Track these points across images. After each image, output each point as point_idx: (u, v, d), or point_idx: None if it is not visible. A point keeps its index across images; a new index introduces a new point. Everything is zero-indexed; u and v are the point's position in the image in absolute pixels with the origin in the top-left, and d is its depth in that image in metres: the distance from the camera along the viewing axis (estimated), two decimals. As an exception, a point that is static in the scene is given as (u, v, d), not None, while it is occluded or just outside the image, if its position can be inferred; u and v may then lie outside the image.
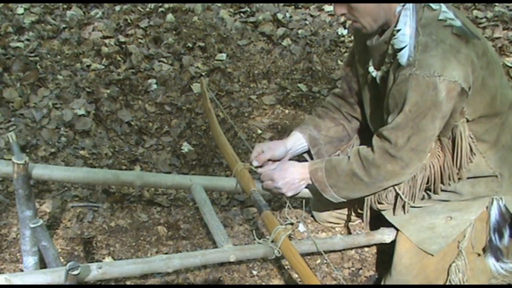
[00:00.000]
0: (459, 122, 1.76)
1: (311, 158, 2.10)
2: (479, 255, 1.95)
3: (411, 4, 1.69)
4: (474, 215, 1.90)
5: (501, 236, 1.91)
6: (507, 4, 3.69)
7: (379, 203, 1.94)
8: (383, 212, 2.00)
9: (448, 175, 1.85)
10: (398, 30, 1.69)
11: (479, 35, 1.74)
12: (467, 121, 1.77)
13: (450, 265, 1.92)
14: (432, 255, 1.90)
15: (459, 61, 1.64)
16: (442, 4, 1.69)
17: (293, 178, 1.93)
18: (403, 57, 1.67)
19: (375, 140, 1.79)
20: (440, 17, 1.67)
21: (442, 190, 1.91)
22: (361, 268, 2.28)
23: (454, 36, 1.64)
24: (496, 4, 3.71)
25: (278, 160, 2.03)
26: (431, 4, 1.69)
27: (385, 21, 1.73)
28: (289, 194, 1.96)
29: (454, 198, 1.92)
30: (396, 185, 1.86)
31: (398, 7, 1.70)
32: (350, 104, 2.10)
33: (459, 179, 1.86)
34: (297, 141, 2.09)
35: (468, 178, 1.87)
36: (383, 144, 1.76)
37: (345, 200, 1.94)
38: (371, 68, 1.86)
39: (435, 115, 1.67)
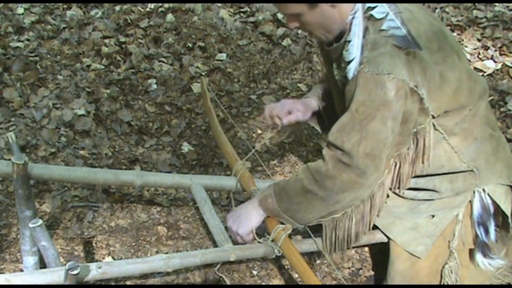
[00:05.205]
0: (426, 123, 1.70)
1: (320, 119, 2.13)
2: (471, 250, 1.90)
3: (360, 13, 1.64)
4: (457, 210, 1.83)
5: (486, 230, 1.83)
6: (507, 4, 3.69)
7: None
8: None
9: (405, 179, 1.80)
10: (349, 41, 1.65)
11: (437, 31, 1.68)
12: (433, 117, 1.71)
13: (443, 267, 1.87)
14: (420, 258, 1.85)
15: (408, 59, 1.59)
16: (390, 12, 1.62)
17: (244, 211, 1.84)
18: (350, 71, 1.63)
19: (326, 150, 1.70)
20: (383, 27, 1.61)
21: (422, 189, 1.85)
22: (361, 268, 2.28)
23: (393, 47, 1.59)
24: (496, 4, 3.70)
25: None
26: (374, 13, 1.63)
27: (339, 31, 1.70)
28: (240, 231, 1.83)
29: (435, 196, 1.85)
30: (352, 203, 1.74)
31: (349, 16, 1.66)
32: None
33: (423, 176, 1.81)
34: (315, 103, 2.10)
35: (444, 174, 1.81)
36: (334, 153, 1.66)
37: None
38: (335, 71, 1.82)
39: (385, 116, 1.59)
